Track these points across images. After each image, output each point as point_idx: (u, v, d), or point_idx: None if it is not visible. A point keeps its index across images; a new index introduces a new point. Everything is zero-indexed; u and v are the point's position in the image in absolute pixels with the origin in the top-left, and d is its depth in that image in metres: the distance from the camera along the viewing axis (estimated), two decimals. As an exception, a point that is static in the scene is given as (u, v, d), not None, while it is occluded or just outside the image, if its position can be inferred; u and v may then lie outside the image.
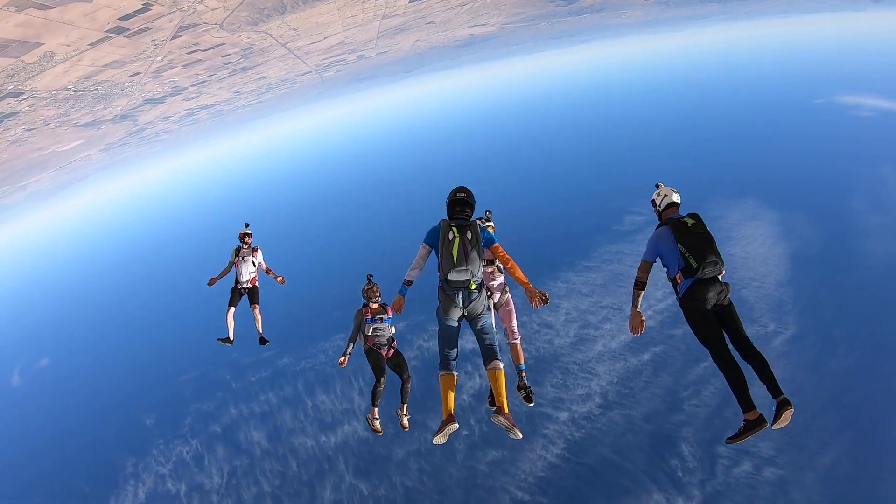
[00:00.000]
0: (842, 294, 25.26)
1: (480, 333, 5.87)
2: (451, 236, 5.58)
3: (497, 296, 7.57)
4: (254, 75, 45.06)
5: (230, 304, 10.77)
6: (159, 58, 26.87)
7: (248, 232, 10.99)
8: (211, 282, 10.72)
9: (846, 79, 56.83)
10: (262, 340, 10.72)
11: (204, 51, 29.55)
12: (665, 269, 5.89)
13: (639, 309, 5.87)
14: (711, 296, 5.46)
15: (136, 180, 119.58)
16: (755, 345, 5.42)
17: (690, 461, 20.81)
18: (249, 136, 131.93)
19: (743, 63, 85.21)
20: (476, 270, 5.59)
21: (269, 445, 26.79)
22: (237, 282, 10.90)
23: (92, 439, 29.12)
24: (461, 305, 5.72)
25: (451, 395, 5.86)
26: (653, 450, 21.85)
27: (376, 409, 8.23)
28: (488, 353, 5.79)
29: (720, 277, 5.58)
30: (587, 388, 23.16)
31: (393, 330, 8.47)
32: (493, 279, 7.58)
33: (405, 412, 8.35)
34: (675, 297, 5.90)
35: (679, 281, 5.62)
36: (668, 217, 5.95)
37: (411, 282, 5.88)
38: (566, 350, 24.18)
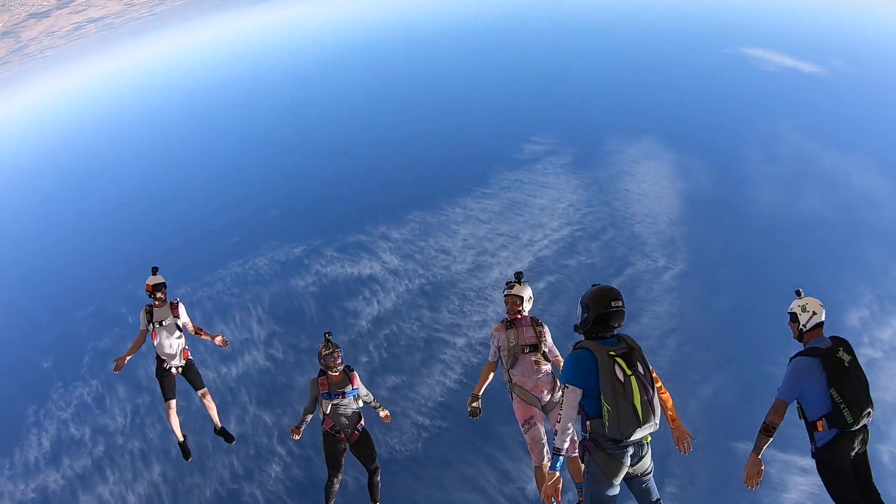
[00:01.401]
0: (729, 237, 27.05)
1: (646, 494, 4.19)
2: (620, 375, 3.72)
3: (547, 394, 5.70)
4: (145, -17, 41.70)
5: (166, 398, 7.30)
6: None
7: (161, 281, 7.14)
8: (118, 364, 7.07)
9: (757, 32, 59.00)
10: (226, 435, 7.81)
11: (82, -51, 26.47)
12: (798, 406, 4.69)
13: (760, 456, 4.65)
14: (856, 449, 4.49)
15: (20, 101, 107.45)
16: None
17: (586, 386, 22.25)
18: (141, 49, 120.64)
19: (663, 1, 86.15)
20: (659, 418, 3.87)
21: (170, 381, 25.94)
22: (160, 360, 7.24)
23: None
24: (629, 464, 3.94)
25: None
26: (548, 375, 23.05)
27: None
28: None
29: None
30: (484, 314, 23.87)
31: (360, 403, 6.48)
32: (539, 371, 5.75)
33: None
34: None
35: (820, 429, 4.52)
36: (814, 343, 4.67)
37: (563, 450, 3.99)
38: (463, 276, 24.60)
